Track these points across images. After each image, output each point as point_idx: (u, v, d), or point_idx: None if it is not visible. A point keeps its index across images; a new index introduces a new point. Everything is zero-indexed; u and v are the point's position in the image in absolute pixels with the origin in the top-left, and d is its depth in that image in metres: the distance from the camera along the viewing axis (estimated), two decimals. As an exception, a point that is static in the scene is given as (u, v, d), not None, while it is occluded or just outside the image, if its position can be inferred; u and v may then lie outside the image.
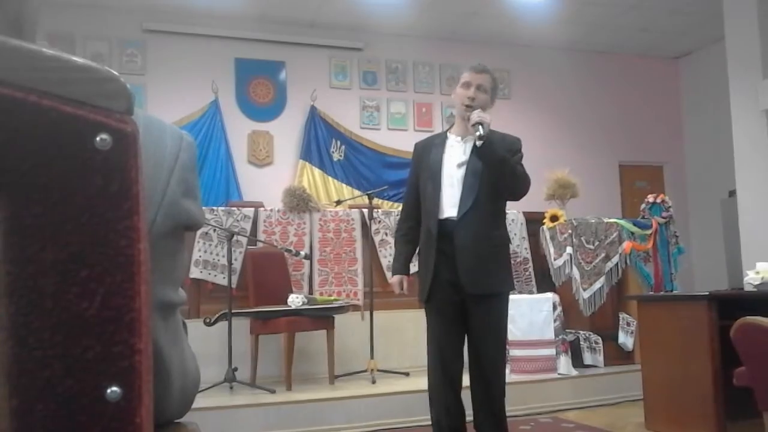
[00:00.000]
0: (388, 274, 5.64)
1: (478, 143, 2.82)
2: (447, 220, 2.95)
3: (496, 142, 2.90)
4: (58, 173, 0.58)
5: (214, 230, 5.38)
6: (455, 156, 3.02)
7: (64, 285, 0.59)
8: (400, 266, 3.17)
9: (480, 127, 2.80)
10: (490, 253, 2.95)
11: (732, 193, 7.13)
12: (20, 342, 0.58)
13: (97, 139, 0.59)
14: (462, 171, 2.97)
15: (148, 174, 0.83)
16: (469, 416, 3.05)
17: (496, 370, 2.98)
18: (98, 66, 0.61)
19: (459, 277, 2.90)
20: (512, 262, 6.22)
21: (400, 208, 3.43)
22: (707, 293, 3.83)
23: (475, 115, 2.84)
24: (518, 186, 2.95)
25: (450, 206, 2.95)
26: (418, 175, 3.12)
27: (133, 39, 7.42)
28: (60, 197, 0.58)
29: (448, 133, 3.13)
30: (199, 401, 4.23)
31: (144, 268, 0.62)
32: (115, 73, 0.62)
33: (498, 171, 2.89)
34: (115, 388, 0.60)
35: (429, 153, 3.09)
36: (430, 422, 3.22)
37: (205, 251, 5.42)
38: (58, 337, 0.59)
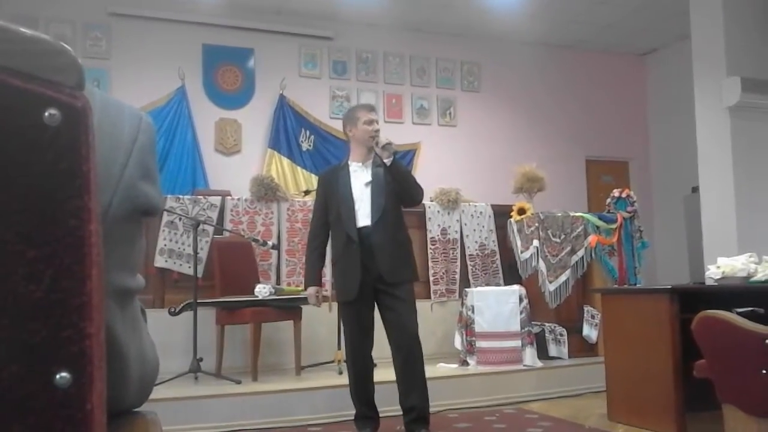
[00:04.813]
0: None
1: (388, 162, 3.57)
2: (363, 228, 3.63)
3: (398, 159, 3.72)
4: (3, 149, 0.55)
5: (180, 219, 5.31)
6: (361, 178, 3.72)
7: (9, 266, 0.56)
8: (315, 278, 3.85)
9: (390, 146, 3.57)
10: (399, 250, 3.67)
11: (695, 189, 7.26)
12: (-38, 325, 0.55)
13: (46, 114, 0.56)
14: (369, 189, 3.68)
15: (104, 155, 0.80)
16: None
17: (417, 340, 3.59)
18: (48, 38, 0.59)
19: (379, 270, 3.57)
20: (480, 254, 6.34)
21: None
22: (669, 287, 3.89)
23: (384, 138, 3.62)
24: (418, 193, 3.73)
25: (364, 217, 3.64)
26: (326, 199, 3.78)
27: (97, 22, 7.26)
28: (6, 174, 0.56)
29: (349, 162, 3.81)
30: (164, 392, 4.20)
31: (95, 251, 0.60)
32: (66, 46, 0.59)
33: (404, 180, 3.67)
34: (64, 374, 0.58)
35: (337, 180, 3.76)
36: (388, 413, 3.86)
37: (171, 240, 5.35)
38: (3, 320, 0.57)
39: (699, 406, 3.71)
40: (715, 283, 4.09)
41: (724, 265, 4.07)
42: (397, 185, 3.65)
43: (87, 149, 0.59)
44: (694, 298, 3.73)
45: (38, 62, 0.57)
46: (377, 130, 3.69)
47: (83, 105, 0.58)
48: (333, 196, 3.74)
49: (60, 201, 0.57)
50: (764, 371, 2.93)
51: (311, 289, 3.82)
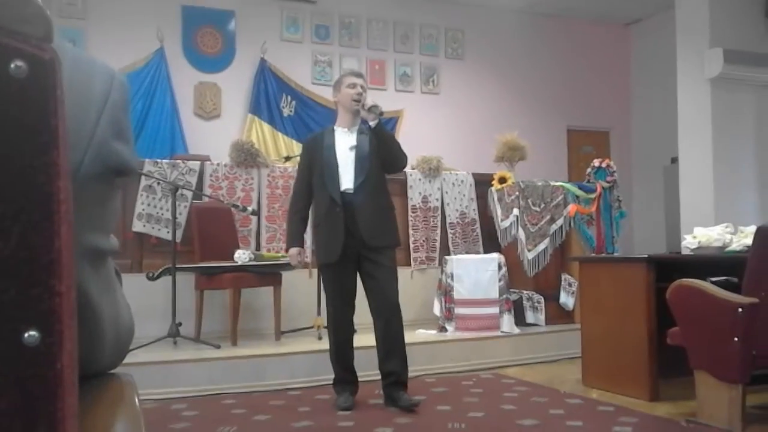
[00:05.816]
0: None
1: (373, 124, 3.63)
2: (345, 191, 3.66)
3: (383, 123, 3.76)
4: (-33, 101, 0.54)
5: (158, 183, 5.25)
6: (346, 142, 3.74)
7: (-25, 223, 0.55)
8: (297, 240, 3.86)
9: (376, 108, 3.60)
10: (381, 215, 3.70)
11: (674, 160, 7.32)
12: (-74, 283, 0.54)
13: (12, 66, 0.54)
14: (353, 153, 3.70)
15: (75, 112, 0.78)
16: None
17: (397, 307, 3.63)
18: (13, -13, 0.56)
19: (361, 234, 3.60)
20: (461, 222, 6.35)
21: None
22: (646, 256, 3.94)
23: (370, 100, 3.68)
24: (402, 158, 3.75)
25: (347, 181, 3.67)
26: (310, 164, 3.79)
27: (74, -19, 7.08)
28: (-31, 127, 0.54)
29: (335, 127, 3.83)
30: (143, 356, 4.20)
31: (64, 207, 0.58)
32: (33, -5, 0.57)
33: (389, 144, 3.71)
34: (33, 333, 0.57)
35: (322, 144, 3.77)
36: (367, 378, 3.91)
37: (149, 204, 5.30)
38: (-31, 278, 0.55)
39: (672, 373, 3.79)
40: (691, 253, 4.15)
41: (701, 235, 4.12)
42: (382, 149, 3.67)
43: (55, 103, 0.57)
44: (670, 267, 3.79)
45: (3, 13, 0.54)
46: (360, 93, 3.71)
47: (51, 57, 0.56)
48: (317, 160, 3.75)
49: (27, 156, 0.56)
50: (736, 339, 2.99)
51: (293, 250, 3.85)
